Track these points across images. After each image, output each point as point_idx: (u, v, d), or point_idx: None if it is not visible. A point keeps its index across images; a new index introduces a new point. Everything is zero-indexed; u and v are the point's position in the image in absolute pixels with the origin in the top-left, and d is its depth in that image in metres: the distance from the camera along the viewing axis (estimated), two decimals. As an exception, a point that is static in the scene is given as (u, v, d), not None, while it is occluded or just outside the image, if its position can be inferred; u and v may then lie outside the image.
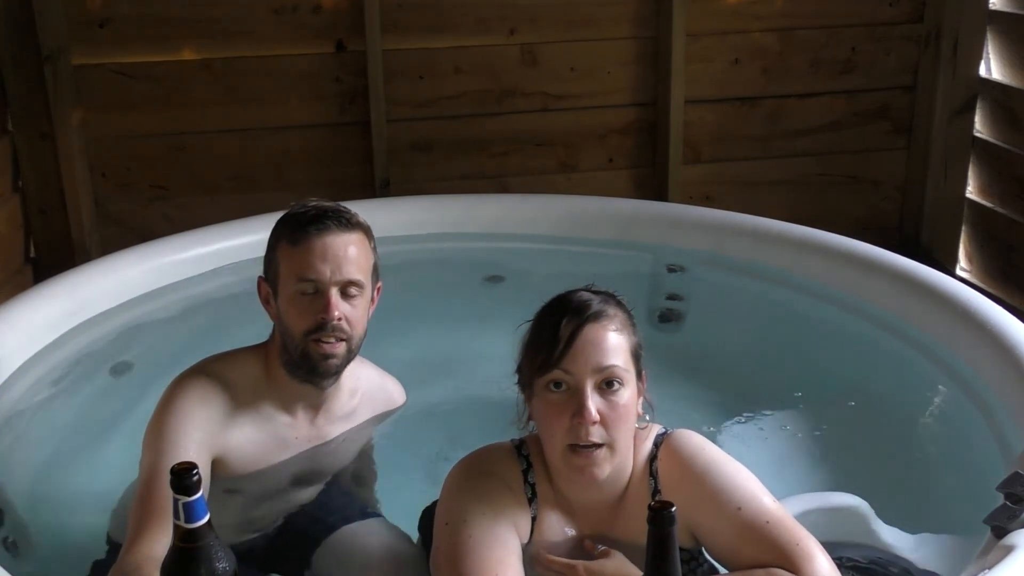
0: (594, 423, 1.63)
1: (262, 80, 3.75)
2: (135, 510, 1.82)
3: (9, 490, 2.30)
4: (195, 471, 1.36)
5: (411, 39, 3.80)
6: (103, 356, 2.84)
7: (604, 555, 1.71)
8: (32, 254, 3.71)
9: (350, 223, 2.01)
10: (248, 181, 3.83)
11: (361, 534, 2.03)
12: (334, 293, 1.96)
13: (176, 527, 1.39)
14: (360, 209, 3.52)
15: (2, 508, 2.21)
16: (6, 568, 1.93)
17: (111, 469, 2.31)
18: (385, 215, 3.43)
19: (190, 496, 1.37)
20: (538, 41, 3.89)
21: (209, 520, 1.40)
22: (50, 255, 3.68)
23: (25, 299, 2.77)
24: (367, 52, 3.73)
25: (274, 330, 2.06)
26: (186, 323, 3.02)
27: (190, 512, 1.37)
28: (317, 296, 1.96)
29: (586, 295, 1.71)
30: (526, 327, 1.75)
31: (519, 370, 1.75)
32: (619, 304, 1.73)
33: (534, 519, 1.74)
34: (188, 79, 3.71)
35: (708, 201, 4.09)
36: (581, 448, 1.64)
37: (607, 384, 1.65)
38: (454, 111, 3.91)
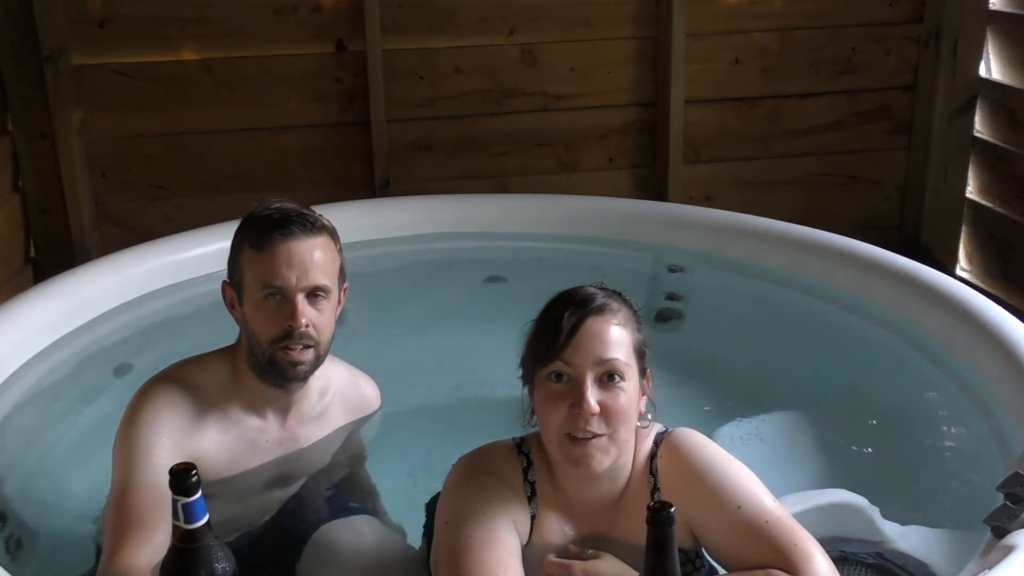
0: (593, 414, 1.63)
1: (262, 80, 3.75)
2: (111, 520, 1.81)
3: (10, 491, 2.30)
4: (194, 472, 1.37)
5: (411, 39, 3.80)
6: (103, 357, 2.84)
7: (596, 556, 1.70)
8: (32, 254, 3.72)
9: (315, 226, 1.96)
10: (248, 181, 3.83)
11: (344, 531, 2.01)
12: (300, 300, 1.92)
13: (175, 528, 1.39)
14: (360, 209, 3.54)
15: (3, 511, 2.21)
16: (8, 569, 1.93)
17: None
18: (385, 215, 3.45)
19: (189, 497, 1.37)
20: (538, 41, 3.89)
21: (208, 521, 1.40)
22: (50, 255, 3.68)
23: (25, 299, 2.77)
24: (367, 52, 3.73)
25: (240, 334, 2.03)
26: (186, 323, 3.01)
27: (190, 513, 1.38)
28: (283, 303, 1.93)
29: (591, 290, 1.72)
30: (531, 324, 1.75)
31: (523, 363, 1.75)
32: (624, 301, 1.74)
33: (534, 518, 1.74)
34: (188, 79, 3.71)
35: (708, 201, 4.09)
36: (579, 439, 1.64)
37: (608, 377, 1.65)
38: (454, 111, 3.91)
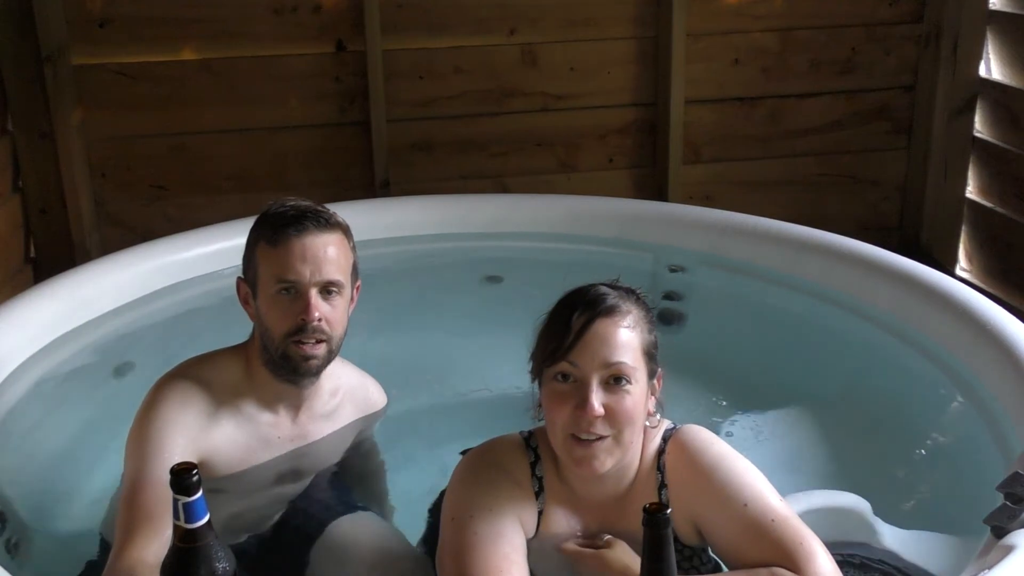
0: (597, 417, 1.63)
1: (262, 80, 3.75)
2: (122, 516, 1.83)
3: (10, 491, 2.30)
4: (195, 471, 1.37)
5: (411, 39, 3.80)
6: (103, 356, 2.84)
7: (609, 544, 1.71)
8: (32, 254, 3.72)
9: (328, 223, 1.99)
10: (248, 181, 3.83)
11: (353, 528, 2.03)
12: (314, 294, 1.95)
13: (176, 527, 1.39)
14: (360, 209, 3.54)
15: (3, 512, 2.21)
16: (8, 569, 1.93)
17: (111, 469, 2.31)
18: (385, 215, 3.45)
19: (190, 496, 1.37)
20: (538, 41, 3.89)
21: (209, 520, 1.40)
22: (50, 255, 3.68)
23: (25, 299, 2.77)
24: (367, 52, 3.73)
25: (254, 330, 2.06)
26: (186, 323, 3.01)
27: (190, 512, 1.38)
28: (297, 297, 1.95)
29: (604, 289, 1.71)
30: (543, 318, 1.74)
31: (532, 357, 1.74)
32: (638, 301, 1.73)
33: (541, 512, 1.74)
34: (188, 79, 3.71)
35: (708, 201, 4.09)
36: (583, 439, 1.64)
37: (614, 380, 1.65)
38: (454, 111, 3.91)
